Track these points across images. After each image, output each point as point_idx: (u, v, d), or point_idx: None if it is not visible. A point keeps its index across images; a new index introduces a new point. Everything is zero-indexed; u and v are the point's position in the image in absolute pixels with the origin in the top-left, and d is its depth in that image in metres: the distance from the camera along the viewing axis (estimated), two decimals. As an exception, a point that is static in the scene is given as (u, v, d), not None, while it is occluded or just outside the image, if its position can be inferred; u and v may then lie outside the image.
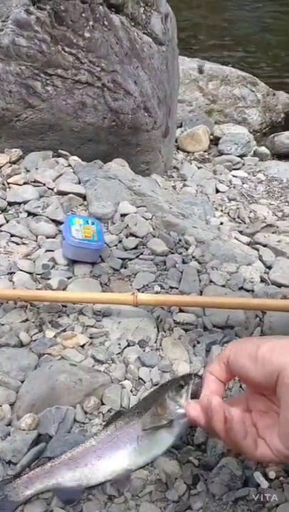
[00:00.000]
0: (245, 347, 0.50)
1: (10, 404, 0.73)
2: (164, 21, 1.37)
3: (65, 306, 0.92)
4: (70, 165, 1.30)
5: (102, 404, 0.75)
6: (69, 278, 0.98)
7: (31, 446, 0.66)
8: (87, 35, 1.21)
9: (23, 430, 0.68)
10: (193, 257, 1.10)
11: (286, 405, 0.46)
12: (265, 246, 1.20)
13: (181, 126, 1.91)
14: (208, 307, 0.92)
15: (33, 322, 0.87)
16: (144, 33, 1.32)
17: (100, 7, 1.22)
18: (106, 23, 1.23)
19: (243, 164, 1.71)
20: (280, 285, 1.05)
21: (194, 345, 0.88)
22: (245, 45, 2.76)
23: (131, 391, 0.77)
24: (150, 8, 1.33)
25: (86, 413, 0.73)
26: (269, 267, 1.11)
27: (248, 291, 1.02)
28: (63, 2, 1.18)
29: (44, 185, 1.21)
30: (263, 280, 1.06)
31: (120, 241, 1.11)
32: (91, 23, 1.21)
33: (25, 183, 1.21)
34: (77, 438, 0.68)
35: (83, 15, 1.20)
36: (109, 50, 1.24)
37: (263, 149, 1.84)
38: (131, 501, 0.63)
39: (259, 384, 0.50)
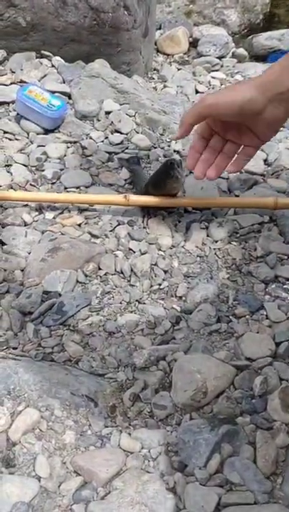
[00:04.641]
0: (230, 96, 0.72)
1: (21, 270, 0.86)
2: None
3: (59, 192, 1.02)
4: (53, 65, 1.34)
5: (100, 269, 0.88)
6: (61, 170, 1.08)
7: (43, 298, 0.80)
8: None
9: (33, 286, 0.82)
10: (175, 151, 1.19)
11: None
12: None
13: (160, 29, 1.91)
14: (194, 206, 1.01)
15: (33, 206, 0.98)
16: None
17: None
18: None
19: (222, 66, 1.75)
20: (252, 173, 1.16)
21: (176, 224, 1.00)
22: None
23: (123, 258, 0.90)
24: None
25: (86, 276, 0.86)
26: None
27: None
28: None
29: (31, 85, 1.26)
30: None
31: (106, 137, 1.19)
32: None
33: (12, 83, 1.26)
34: (81, 294, 0.83)
35: None
36: None
37: (242, 51, 1.87)
38: (127, 336, 0.78)
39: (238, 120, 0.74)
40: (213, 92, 0.77)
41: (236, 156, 0.78)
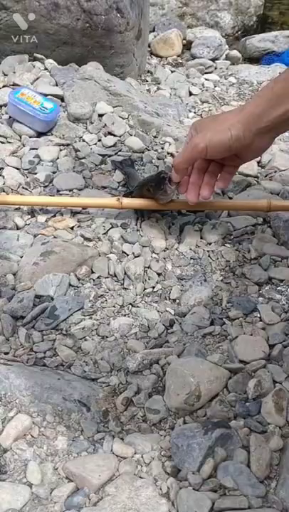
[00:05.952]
0: (220, 138, 0.78)
1: (13, 274, 0.85)
2: None
3: (52, 195, 1.02)
4: (46, 68, 1.34)
5: (92, 272, 0.87)
6: (54, 172, 1.07)
7: (35, 303, 0.79)
8: None
9: (25, 290, 0.81)
10: (169, 154, 1.19)
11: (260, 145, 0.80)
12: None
13: (153, 31, 1.91)
14: (187, 208, 1.01)
15: (25, 210, 0.98)
16: None
17: None
18: None
19: (215, 68, 1.75)
20: (246, 175, 1.16)
21: (169, 227, 1.00)
22: None
23: (116, 261, 0.89)
24: None
25: (79, 279, 0.86)
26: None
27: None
28: None
29: (23, 88, 1.25)
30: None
31: (99, 140, 1.19)
32: None
33: (4, 86, 1.25)
34: (73, 298, 0.82)
35: None
36: None
37: (235, 53, 1.87)
38: (120, 339, 0.77)
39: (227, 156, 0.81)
40: (202, 127, 0.82)
41: (220, 174, 0.85)
